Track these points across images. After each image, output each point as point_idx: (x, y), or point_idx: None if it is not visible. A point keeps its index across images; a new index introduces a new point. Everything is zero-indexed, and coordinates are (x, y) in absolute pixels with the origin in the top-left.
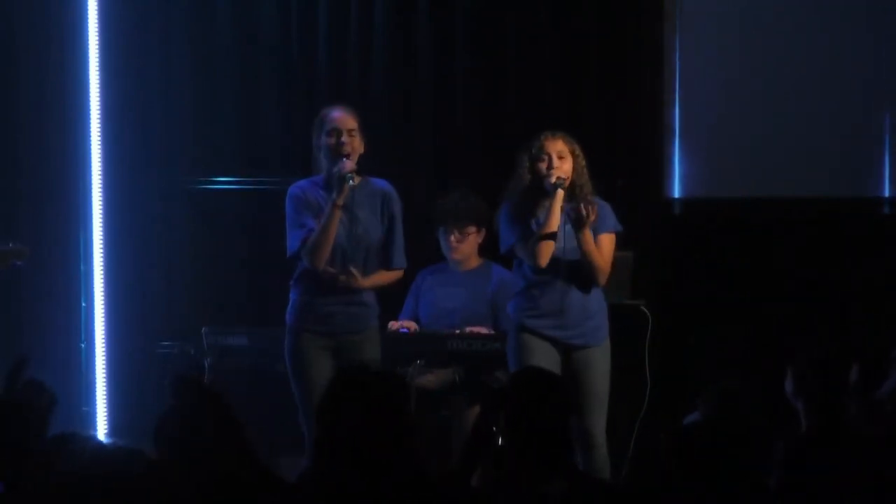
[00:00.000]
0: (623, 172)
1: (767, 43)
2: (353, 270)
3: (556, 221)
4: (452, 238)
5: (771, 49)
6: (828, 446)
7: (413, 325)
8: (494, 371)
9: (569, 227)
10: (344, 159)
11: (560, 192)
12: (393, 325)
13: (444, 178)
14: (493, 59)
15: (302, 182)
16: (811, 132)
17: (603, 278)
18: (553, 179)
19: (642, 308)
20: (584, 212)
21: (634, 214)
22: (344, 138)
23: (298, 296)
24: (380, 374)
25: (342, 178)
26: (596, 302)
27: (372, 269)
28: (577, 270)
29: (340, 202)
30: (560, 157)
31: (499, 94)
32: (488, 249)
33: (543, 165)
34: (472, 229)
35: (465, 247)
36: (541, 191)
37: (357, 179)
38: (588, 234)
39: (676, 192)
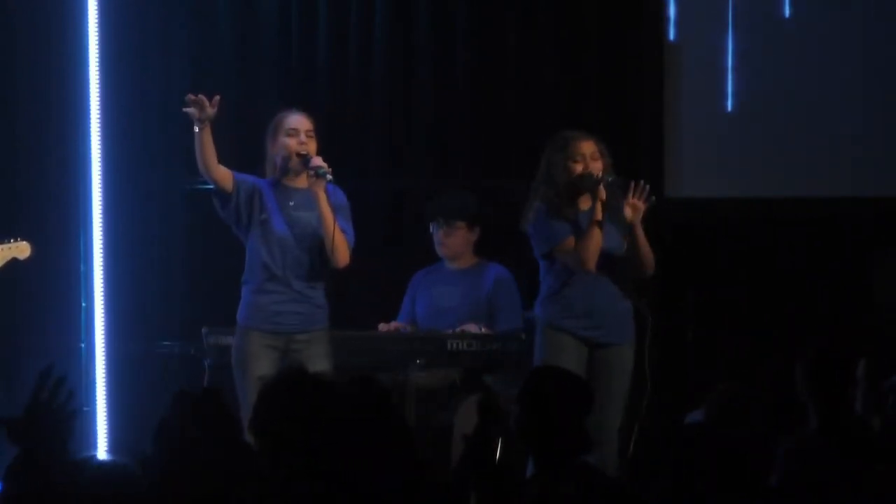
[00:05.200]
0: (623, 172)
1: (767, 43)
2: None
3: (601, 223)
4: (441, 233)
5: (771, 49)
6: (836, 441)
7: (400, 325)
8: (483, 375)
9: (608, 226)
10: (313, 156)
11: (603, 190)
12: (384, 326)
13: (443, 178)
14: (492, 60)
15: (258, 179)
16: (811, 132)
17: (651, 266)
18: (596, 175)
19: (642, 308)
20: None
21: None
22: (303, 138)
23: (248, 293)
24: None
25: (319, 175)
26: (625, 301)
27: (321, 266)
28: (610, 268)
29: (322, 195)
30: (593, 158)
31: (499, 93)
32: (488, 248)
33: (579, 166)
34: (461, 225)
35: (453, 242)
36: (577, 191)
37: (330, 174)
38: (641, 236)
39: (676, 192)
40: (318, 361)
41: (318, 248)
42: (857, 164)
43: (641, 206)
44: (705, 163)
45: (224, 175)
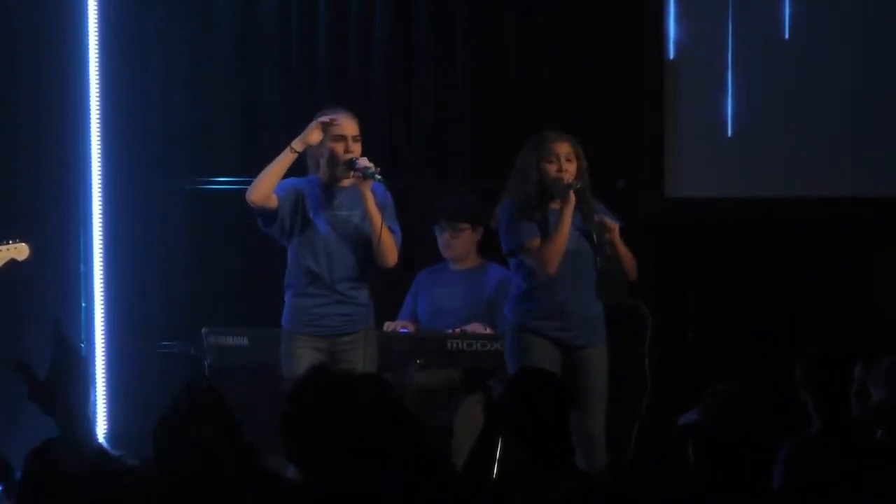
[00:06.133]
0: (623, 172)
1: (767, 43)
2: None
3: (567, 229)
4: (446, 235)
5: (770, 49)
6: (837, 441)
7: (410, 325)
8: (486, 379)
9: (576, 229)
10: (359, 158)
11: (572, 196)
12: (389, 325)
13: (444, 178)
14: (492, 60)
15: (300, 180)
16: (812, 132)
17: (634, 273)
18: (566, 180)
19: (642, 308)
20: (605, 228)
21: (634, 214)
22: (350, 144)
23: (291, 297)
24: (363, 378)
25: (367, 176)
26: (596, 302)
27: (366, 265)
28: (579, 271)
29: (369, 195)
30: (567, 160)
31: (499, 93)
32: (488, 248)
33: (552, 167)
34: (466, 227)
35: (458, 244)
36: (547, 192)
37: (378, 174)
38: (620, 246)
39: (676, 192)
40: (364, 363)
41: (362, 247)
42: (857, 164)
43: (614, 227)
44: (705, 163)
45: (273, 197)
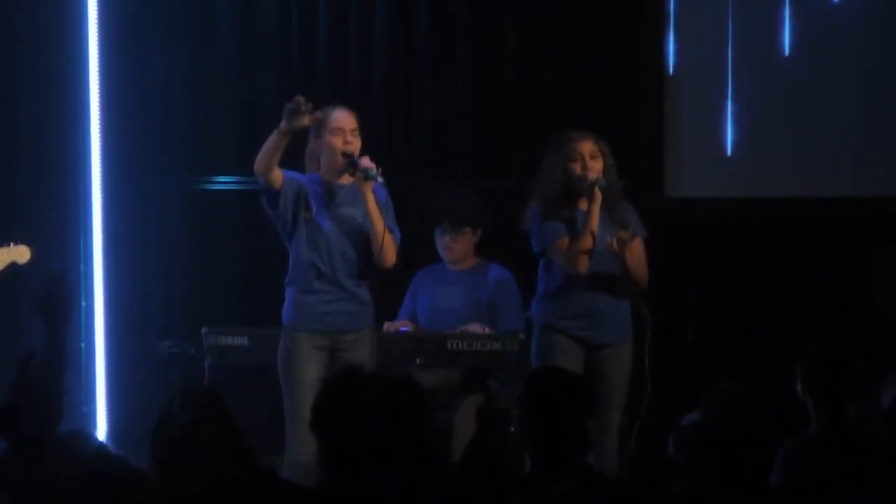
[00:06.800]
0: (623, 172)
1: (765, 43)
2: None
3: (594, 227)
4: (447, 239)
5: (769, 49)
6: (836, 441)
7: (409, 324)
8: (486, 379)
9: (605, 227)
10: (361, 157)
11: (598, 193)
12: (389, 326)
13: (444, 178)
14: (492, 60)
15: (302, 176)
16: (811, 132)
17: (644, 283)
18: (592, 177)
19: (642, 308)
20: (623, 238)
21: None
22: (348, 137)
23: (293, 294)
24: (394, 378)
25: (368, 177)
26: (624, 301)
27: (367, 263)
28: (607, 271)
29: (370, 196)
30: (592, 157)
31: (499, 93)
32: (488, 248)
33: (577, 166)
34: (467, 230)
35: (459, 247)
36: (574, 191)
37: (380, 175)
38: (630, 255)
39: (676, 192)
40: (367, 362)
41: (363, 244)
42: (857, 164)
43: (624, 238)
44: (705, 163)
45: (277, 175)
